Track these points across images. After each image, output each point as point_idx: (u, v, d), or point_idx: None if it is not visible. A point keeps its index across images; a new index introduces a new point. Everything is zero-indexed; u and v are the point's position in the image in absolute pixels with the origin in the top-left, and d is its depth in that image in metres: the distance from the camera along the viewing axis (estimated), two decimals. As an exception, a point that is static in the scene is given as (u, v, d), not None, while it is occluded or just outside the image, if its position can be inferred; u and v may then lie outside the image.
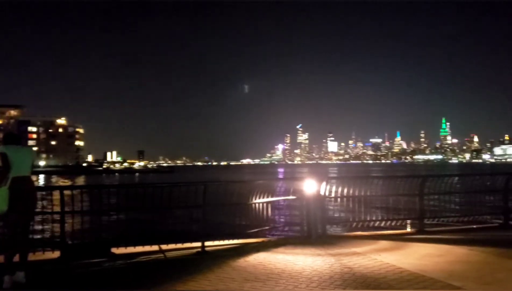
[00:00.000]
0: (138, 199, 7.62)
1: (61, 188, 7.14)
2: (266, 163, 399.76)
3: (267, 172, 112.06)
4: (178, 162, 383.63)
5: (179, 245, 7.63)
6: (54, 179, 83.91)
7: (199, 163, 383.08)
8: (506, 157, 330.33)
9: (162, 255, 7.21)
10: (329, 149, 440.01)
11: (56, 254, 6.98)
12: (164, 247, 7.48)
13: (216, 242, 7.85)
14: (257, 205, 8.38)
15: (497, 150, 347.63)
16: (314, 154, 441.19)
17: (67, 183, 66.89)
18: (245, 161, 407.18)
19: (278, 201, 8.81)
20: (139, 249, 7.29)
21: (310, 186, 8.75)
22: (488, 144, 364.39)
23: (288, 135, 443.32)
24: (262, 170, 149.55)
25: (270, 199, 8.58)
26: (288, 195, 8.92)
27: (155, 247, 7.45)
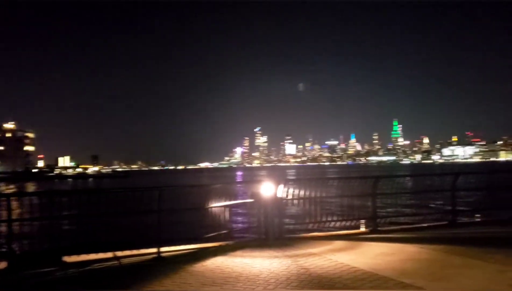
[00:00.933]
0: (91, 205, 7.40)
1: (8, 196, 6.84)
2: (224, 166, 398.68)
3: (225, 176, 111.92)
4: (134, 166, 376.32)
5: (135, 252, 7.47)
6: (3, 186, 79.99)
7: (156, 168, 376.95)
8: (454, 157, 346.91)
9: (116, 262, 7.03)
10: (287, 152, 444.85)
11: (3, 264, 6.67)
12: (118, 253, 7.29)
13: (173, 248, 7.75)
14: (214, 209, 8.35)
15: (446, 151, 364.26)
16: (272, 157, 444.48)
17: (13, 190, 64.35)
18: (203, 165, 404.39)
19: (236, 204, 8.80)
20: (93, 256, 7.07)
21: (267, 189, 8.82)
22: (438, 146, 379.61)
23: (247, 138, 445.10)
24: (220, 173, 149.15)
25: (227, 203, 8.56)
26: (246, 198, 8.95)
27: (109, 254, 7.24)
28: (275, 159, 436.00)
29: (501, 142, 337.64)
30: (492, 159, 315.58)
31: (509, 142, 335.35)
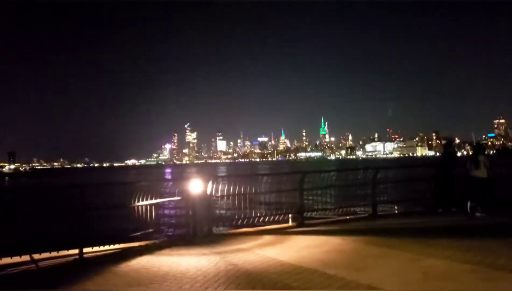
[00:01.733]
0: (7, 205, 6.94)
1: None
2: (152, 163, 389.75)
3: (153, 173, 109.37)
4: (55, 164, 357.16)
5: (54, 254, 7.11)
6: None
7: (79, 165, 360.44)
8: (376, 152, 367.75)
9: (34, 265, 6.64)
10: (218, 148, 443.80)
11: None
12: (36, 256, 6.89)
13: (96, 248, 7.47)
14: (140, 207, 8.16)
15: (368, 147, 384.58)
16: (203, 153, 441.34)
17: None
18: (130, 162, 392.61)
19: (163, 202, 8.67)
20: (7, 260, 6.63)
21: (196, 186, 8.77)
22: (361, 142, 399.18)
23: (176, 134, 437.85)
24: (148, 171, 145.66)
25: (154, 201, 8.41)
26: (174, 196, 8.84)
27: (25, 257, 6.82)
28: (206, 155, 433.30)
29: (417, 138, 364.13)
30: (410, 154, 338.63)
31: (425, 139, 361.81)
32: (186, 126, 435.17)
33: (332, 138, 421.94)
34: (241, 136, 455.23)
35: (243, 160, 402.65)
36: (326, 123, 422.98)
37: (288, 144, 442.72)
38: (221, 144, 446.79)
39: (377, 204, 11.24)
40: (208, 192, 8.91)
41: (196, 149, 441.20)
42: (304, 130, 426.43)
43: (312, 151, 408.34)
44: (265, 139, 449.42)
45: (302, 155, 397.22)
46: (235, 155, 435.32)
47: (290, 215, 10.08)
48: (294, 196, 10.09)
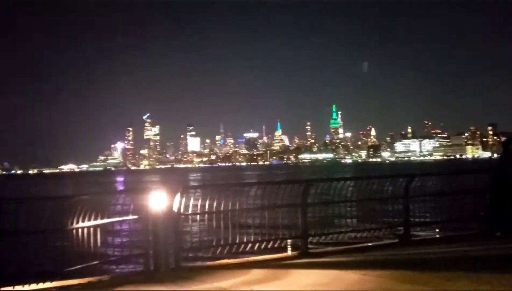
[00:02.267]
0: None
1: None
2: (98, 169, 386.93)
3: (99, 183, 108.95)
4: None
5: None
6: None
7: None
8: (409, 154, 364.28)
9: None
10: (189, 148, 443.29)
11: None
12: None
13: (17, 288, 7.39)
14: (81, 230, 8.09)
15: (399, 146, 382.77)
16: (168, 155, 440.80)
17: None
18: (67, 168, 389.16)
19: (113, 223, 8.62)
20: None
21: (159, 200, 8.72)
22: (388, 139, 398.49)
23: (131, 129, 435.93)
24: (91, 179, 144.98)
25: (100, 221, 8.35)
26: (128, 215, 8.79)
27: None
28: (172, 158, 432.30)
29: (467, 135, 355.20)
30: (457, 156, 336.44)
31: (477, 135, 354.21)
32: (144, 117, 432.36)
33: (348, 134, 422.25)
34: (221, 131, 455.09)
35: (223, 164, 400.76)
36: (340, 113, 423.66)
37: (287, 142, 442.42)
38: (194, 143, 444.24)
39: (410, 225, 11.29)
40: (176, 209, 8.87)
41: (158, 148, 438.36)
42: (308, 123, 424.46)
43: (320, 151, 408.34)
44: (254, 135, 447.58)
45: (305, 156, 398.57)
46: (213, 157, 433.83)
47: (289, 241, 10.08)
48: (294, 214, 10.09)
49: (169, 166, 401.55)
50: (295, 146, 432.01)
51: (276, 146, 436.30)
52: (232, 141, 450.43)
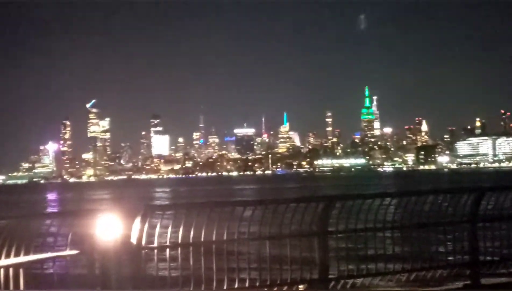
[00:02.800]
0: None
1: None
2: (21, 181, 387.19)
3: (21, 202, 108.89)
4: None
5: None
6: None
7: None
8: (477, 158, 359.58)
9: None
10: (155, 151, 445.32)
11: None
12: None
13: None
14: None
15: (462, 147, 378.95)
16: (123, 161, 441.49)
17: None
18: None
19: (42, 260, 8.62)
20: None
21: (109, 228, 8.71)
22: (447, 137, 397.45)
23: (68, 123, 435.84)
24: (10, 197, 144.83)
25: (24, 259, 8.35)
26: (66, 248, 8.78)
27: None
28: (129, 165, 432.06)
29: None
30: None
31: None
32: (89, 106, 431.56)
33: (387, 130, 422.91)
34: (201, 125, 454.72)
35: (204, 174, 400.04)
36: (375, 100, 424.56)
37: (297, 141, 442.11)
38: (161, 143, 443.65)
39: (479, 261, 11.29)
40: (135, 240, 8.88)
41: (109, 151, 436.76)
42: (329, 114, 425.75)
43: (346, 154, 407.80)
44: (250, 131, 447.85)
45: (325, 162, 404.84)
46: (189, 164, 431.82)
47: (300, 287, 10.10)
48: (309, 245, 10.12)
49: (125, 176, 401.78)
50: (310, 147, 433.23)
51: (282, 148, 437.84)
52: (217, 140, 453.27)
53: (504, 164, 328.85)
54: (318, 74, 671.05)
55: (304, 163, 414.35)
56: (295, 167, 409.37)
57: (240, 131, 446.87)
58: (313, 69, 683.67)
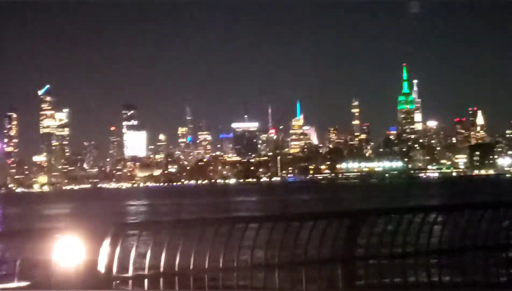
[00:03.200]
0: None
1: None
2: None
3: None
4: None
5: None
6: None
7: None
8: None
9: None
10: (128, 151, 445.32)
11: None
12: None
13: None
14: None
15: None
16: (86, 166, 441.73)
17: None
18: None
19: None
20: None
21: (69, 253, 8.76)
22: (509, 133, 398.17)
23: (14, 115, 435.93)
24: None
25: None
26: (13, 280, 8.84)
27: None
28: (95, 170, 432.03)
29: None
30: None
31: None
32: (41, 93, 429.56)
33: (432, 123, 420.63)
34: (188, 118, 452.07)
35: (193, 182, 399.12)
36: (415, 84, 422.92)
37: (313, 139, 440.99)
38: (136, 141, 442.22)
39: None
40: (103, 268, 8.95)
41: (68, 152, 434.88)
42: (355, 103, 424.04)
43: (377, 156, 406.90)
44: (251, 126, 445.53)
45: (350, 166, 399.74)
46: (173, 169, 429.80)
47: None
48: (331, 275, 10.19)
49: (89, 185, 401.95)
50: (330, 146, 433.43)
51: (294, 147, 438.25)
52: (209, 138, 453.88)
53: None
54: (341, 52, 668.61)
55: (323, 167, 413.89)
56: (311, 172, 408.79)
57: (239, 126, 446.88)
58: (335, 46, 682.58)
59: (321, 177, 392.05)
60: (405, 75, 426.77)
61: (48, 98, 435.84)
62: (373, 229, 10.76)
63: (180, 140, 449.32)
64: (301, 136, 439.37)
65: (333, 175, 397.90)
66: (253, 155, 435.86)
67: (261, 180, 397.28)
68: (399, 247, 10.89)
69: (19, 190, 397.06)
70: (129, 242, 9.46)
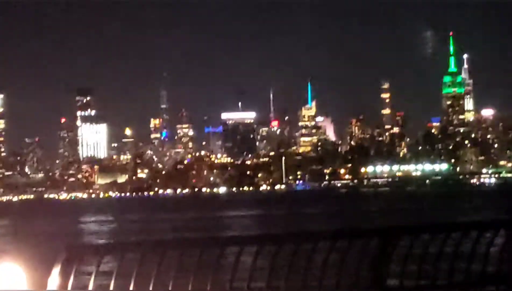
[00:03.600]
0: None
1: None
2: None
3: None
4: None
5: None
6: None
7: None
8: None
9: None
10: (84, 150, 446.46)
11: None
12: None
13: None
14: None
15: None
16: (28, 169, 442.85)
17: None
18: None
19: None
20: None
21: (7, 284, 8.78)
22: None
23: None
24: None
25: None
26: None
27: None
28: (40, 176, 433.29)
29: None
30: None
31: None
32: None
33: (488, 112, 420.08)
34: (163, 107, 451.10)
35: (169, 191, 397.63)
36: (465, 59, 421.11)
37: (330, 134, 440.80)
38: (94, 138, 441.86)
39: None
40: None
41: (4, 152, 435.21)
42: (385, 86, 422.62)
43: (414, 155, 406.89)
44: (247, 117, 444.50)
45: (379, 169, 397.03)
46: (142, 173, 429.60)
47: None
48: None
49: (32, 195, 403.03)
50: (352, 143, 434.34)
51: (304, 144, 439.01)
52: (191, 133, 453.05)
53: None
54: (364, 16, 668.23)
55: (343, 170, 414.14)
56: (327, 177, 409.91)
57: (231, 116, 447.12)
58: (356, 7, 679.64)
59: (340, 184, 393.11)
60: (452, 48, 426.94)
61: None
62: (410, 252, 10.79)
63: (152, 135, 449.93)
64: (314, 131, 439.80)
65: (355, 181, 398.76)
66: (250, 155, 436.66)
67: (261, 189, 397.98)
68: (445, 275, 10.92)
69: None
70: (85, 270, 9.50)
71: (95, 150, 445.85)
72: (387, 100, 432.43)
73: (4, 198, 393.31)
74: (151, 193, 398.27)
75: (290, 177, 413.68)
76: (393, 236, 10.43)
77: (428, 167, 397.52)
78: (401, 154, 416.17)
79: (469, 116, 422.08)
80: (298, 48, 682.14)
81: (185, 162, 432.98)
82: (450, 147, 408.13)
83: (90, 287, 9.38)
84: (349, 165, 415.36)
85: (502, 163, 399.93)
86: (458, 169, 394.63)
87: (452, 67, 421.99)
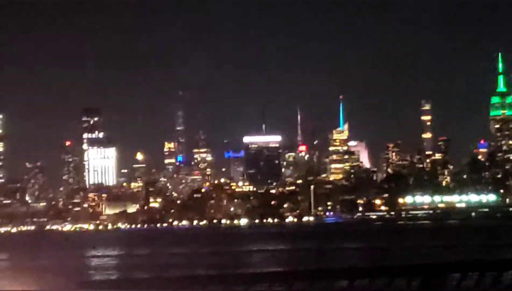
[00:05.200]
0: None
1: None
2: None
3: None
4: None
5: None
6: None
7: None
8: None
9: None
10: (90, 176, 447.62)
11: None
12: None
13: None
14: None
15: None
16: (28, 198, 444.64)
17: None
18: None
19: None
20: None
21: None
22: None
23: None
24: None
25: None
26: None
27: None
28: (42, 205, 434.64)
29: None
30: None
31: None
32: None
33: None
34: (179, 129, 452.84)
35: (185, 223, 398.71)
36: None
37: (364, 160, 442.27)
38: (102, 162, 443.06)
39: None
40: None
41: (2, 179, 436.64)
42: (426, 107, 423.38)
43: (459, 184, 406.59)
44: (271, 141, 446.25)
45: (418, 200, 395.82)
46: (155, 203, 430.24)
47: None
48: None
49: (33, 227, 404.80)
50: (389, 171, 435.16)
51: (336, 171, 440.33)
52: (209, 158, 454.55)
53: None
54: (404, 31, 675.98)
55: (378, 201, 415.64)
56: (361, 209, 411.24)
57: (254, 140, 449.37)
58: (395, 21, 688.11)
59: (375, 216, 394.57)
60: (500, 66, 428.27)
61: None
62: None
63: (167, 161, 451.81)
64: (346, 156, 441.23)
65: (392, 213, 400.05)
66: (275, 184, 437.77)
67: (286, 220, 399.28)
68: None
69: None
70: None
71: (103, 177, 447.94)
72: (428, 123, 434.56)
73: (2, 230, 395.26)
74: (165, 225, 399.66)
75: (320, 208, 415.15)
76: (437, 274, 10.51)
77: (474, 197, 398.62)
78: (444, 183, 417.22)
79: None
80: (329, 65, 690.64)
81: (203, 190, 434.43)
82: (499, 176, 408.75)
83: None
84: (385, 195, 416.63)
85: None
86: (507, 200, 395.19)
87: (501, 87, 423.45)
